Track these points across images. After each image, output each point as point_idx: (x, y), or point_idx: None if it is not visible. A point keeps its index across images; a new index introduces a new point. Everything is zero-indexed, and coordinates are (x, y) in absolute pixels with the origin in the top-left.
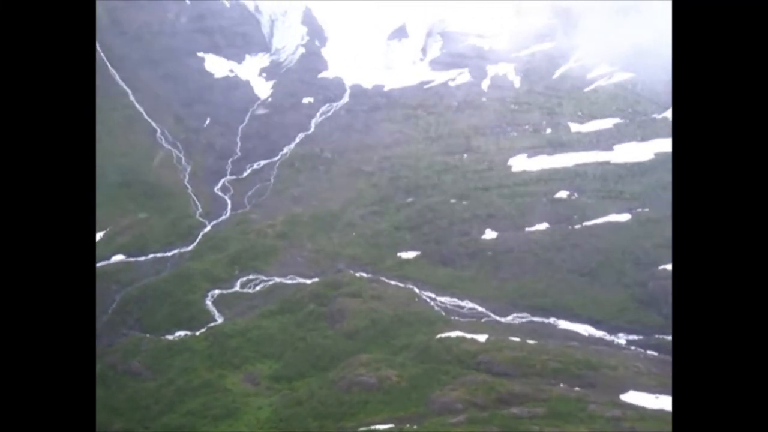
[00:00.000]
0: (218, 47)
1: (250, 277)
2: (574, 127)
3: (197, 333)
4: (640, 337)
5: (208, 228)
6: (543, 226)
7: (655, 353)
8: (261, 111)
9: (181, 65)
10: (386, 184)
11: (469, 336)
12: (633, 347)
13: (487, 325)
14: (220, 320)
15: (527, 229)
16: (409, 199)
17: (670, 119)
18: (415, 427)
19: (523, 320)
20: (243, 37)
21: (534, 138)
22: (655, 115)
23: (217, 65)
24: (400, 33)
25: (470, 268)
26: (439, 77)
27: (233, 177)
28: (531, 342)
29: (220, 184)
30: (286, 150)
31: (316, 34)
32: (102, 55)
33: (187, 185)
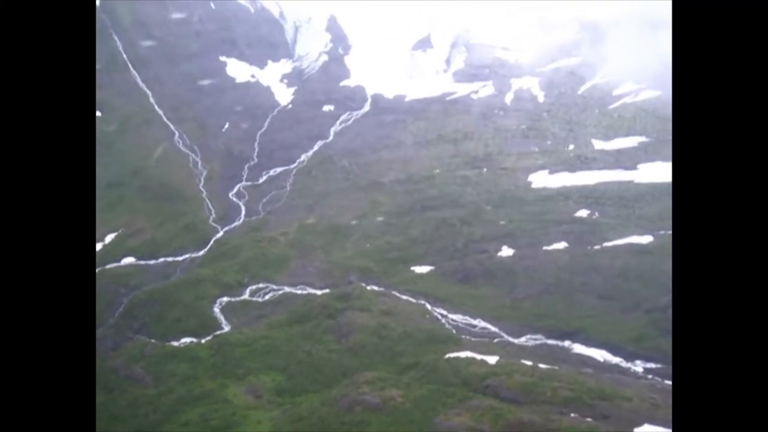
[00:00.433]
0: (241, 52)
1: (260, 285)
2: (598, 144)
3: (203, 341)
4: (659, 366)
5: (221, 234)
6: (561, 245)
7: None
8: (281, 117)
9: (203, 68)
10: (403, 196)
11: (479, 357)
12: (650, 376)
13: (498, 346)
14: (226, 328)
15: (545, 247)
16: (426, 213)
17: None
18: None
19: (537, 342)
20: (266, 43)
21: (556, 154)
22: None
23: (239, 70)
24: (425, 43)
25: (485, 286)
26: (462, 89)
27: (249, 183)
28: (543, 367)
29: (235, 189)
30: (303, 157)
31: (339, 41)
32: (124, 56)
33: (202, 189)
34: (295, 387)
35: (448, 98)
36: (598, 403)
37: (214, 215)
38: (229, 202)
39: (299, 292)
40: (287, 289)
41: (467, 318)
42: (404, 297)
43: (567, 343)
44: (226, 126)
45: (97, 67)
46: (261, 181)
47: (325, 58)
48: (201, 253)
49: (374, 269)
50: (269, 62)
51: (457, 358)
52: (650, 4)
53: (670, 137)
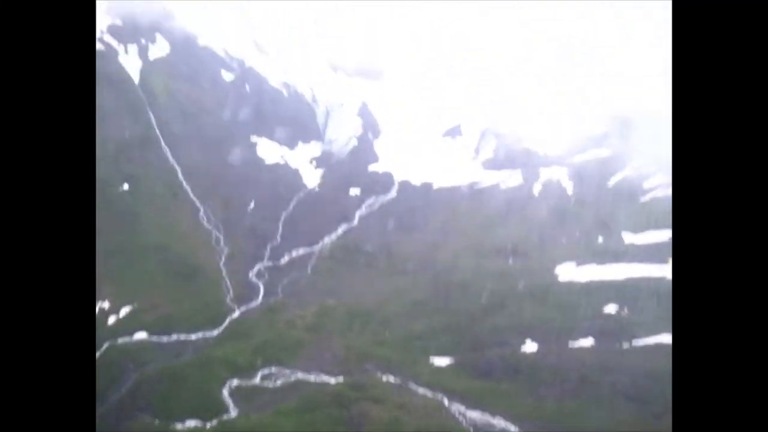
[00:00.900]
0: (272, 133)
1: (273, 369)
2: (628, 237)
3: (207, 425)
4: None
5: (237, 314)
6: (588, 341)
7: None
8: (307, 199)
9: (234, 148)
10: (426, 284)
11: None
12: None
13: None
14: (234, 413)
15: (571, 343)
16: (449, 302)
17: None
18: None
19: None
20: (298, 125)
21: (584, 246)
22: None
23: (269, 151)
24: (455, 131)
25: (506, 382)
26: (490, 178)
27: (270, 263)
28: None
29: (255, 269)
30: (326, 240)
31: (370, 126)
32: (157, 131)
33: (222, 268)
34: None
35: (475, 186)
36: None
37: (231, 294)
38: (248, 281)
39: (312, 378)
40: (300, 374)
41: (486, 416)
42: (421, 390)
43: None
44: (252, 205)
45: (130, 141)
46: (283, 262)
47: (354, 142)
48: (215, 332)
49: (392, 358)
50: (300, 144)
51: None
52: None
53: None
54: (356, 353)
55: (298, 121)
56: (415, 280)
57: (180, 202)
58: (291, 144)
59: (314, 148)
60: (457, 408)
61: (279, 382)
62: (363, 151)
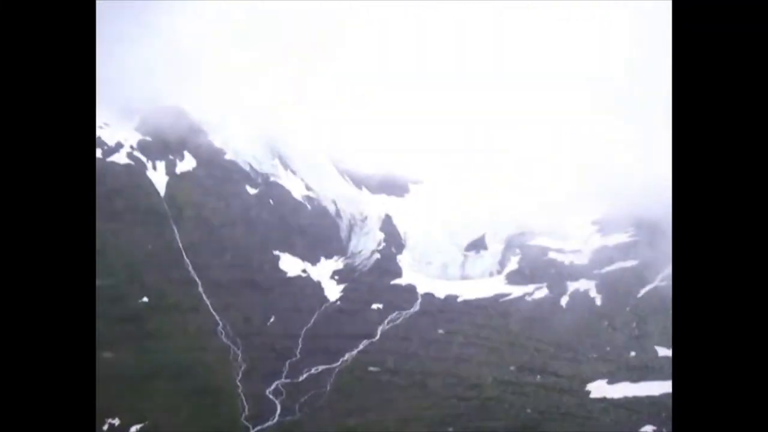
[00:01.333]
0: (294, 247)
1: None
2: (662, 351)
3: None
4: None
5: None
6: None
7: None
8: (328, 314)
9: (256, 261)
10: (450, 402)
11: None
12: None
13: None
14: None
15: None
16: (473, 422)
17: None
18: None
19: None
20: (321, 239)
21: (616, 362)
22: None
23: (291, 264)
24: (479, 244)
25: None
26: (515, 291)
27: (288, 380)
28: None
29: (273, 386)
30: (347, 356)
31: (393, 240)
32: (180, 243)
33: (239, 384)
34: None
35: (501, 300)
36: None
37: (246, 413)
38: (265, 399)
39: None
40: None
41: None
42: None
43: None
44: (272, 320)
45: (153, 254)
46: (301, 378)
47: (377, 256)
48: None
49: None
50: (322, 258)
51: None
52: None
53: None
54: None
55: (321, 235)
56: (438, 397)
57: (200, 316)
58: (313, 258)
59: (336, 263)
60: None
61: None
62: (385, 265)
